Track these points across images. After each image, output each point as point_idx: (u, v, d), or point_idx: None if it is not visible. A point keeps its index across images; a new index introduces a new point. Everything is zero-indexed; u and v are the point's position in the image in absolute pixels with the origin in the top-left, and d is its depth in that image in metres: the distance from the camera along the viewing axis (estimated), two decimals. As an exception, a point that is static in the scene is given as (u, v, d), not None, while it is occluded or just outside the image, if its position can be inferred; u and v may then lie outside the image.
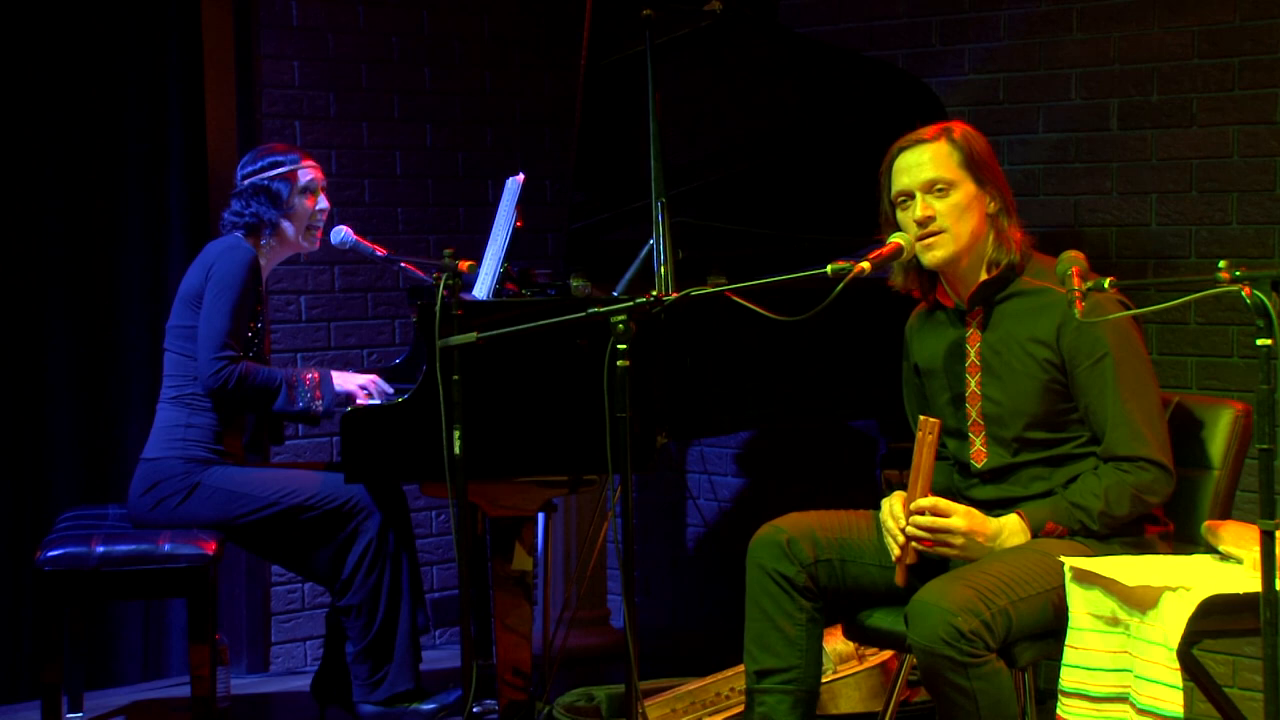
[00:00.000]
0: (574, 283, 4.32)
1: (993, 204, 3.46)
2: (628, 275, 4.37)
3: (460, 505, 3.87)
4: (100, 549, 4.18)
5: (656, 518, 5.95)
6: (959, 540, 3.34)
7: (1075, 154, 4.86)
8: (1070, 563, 3.18)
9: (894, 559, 3.41)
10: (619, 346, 3.24)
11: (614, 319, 3.25)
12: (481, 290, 4.35)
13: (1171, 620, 3.00)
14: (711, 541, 5.81)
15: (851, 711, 4.43)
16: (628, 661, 3.30)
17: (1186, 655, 3.02)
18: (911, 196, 3.44)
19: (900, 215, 3.47)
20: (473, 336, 3.65)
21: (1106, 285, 2.98)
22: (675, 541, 5.91)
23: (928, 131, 3.47)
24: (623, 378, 3.24)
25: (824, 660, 4.05)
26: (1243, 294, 2.71)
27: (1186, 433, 3.52)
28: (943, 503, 3.36)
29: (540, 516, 4.61)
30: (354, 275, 5.53)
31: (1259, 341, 2.68)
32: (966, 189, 3.43)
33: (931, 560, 3.40)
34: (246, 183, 4.49)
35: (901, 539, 3.38)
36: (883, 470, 4.73)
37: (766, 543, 3.50)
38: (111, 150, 5.14)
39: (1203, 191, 4.62)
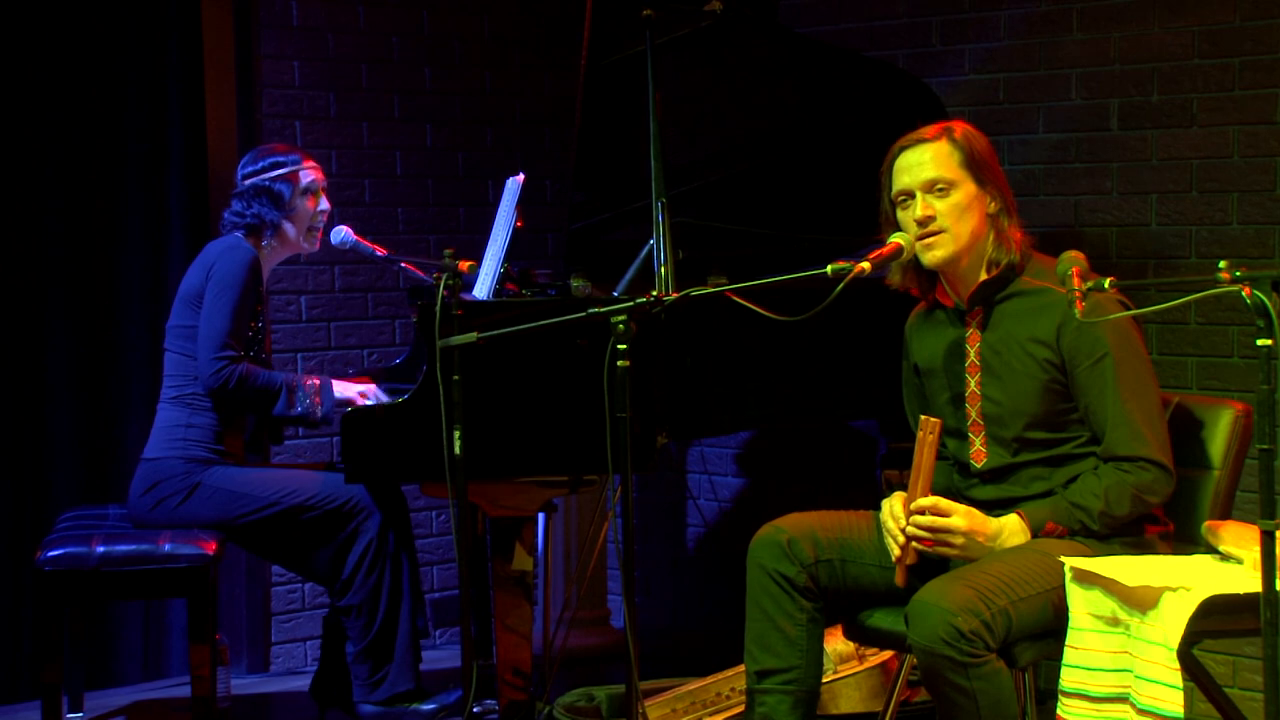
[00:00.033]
0: (574, 283, 4.32)
1: (993, 204, 3.46)
2: (628, 275, 4.37)
3: (460, 505, 3.87)
4: (100, 549, 4.18)
5: (657, 518, 5.95)
6: (959, 540, 3.34)
7: (1075, 154, 4.86)
8: (1070, 563, 3.18)
9: (894, 559, 3.41)
10: (619, 346, 3.24)
11: (614, 319, 3.25)
12: (482, 290, 4.35)
13: (1172, 620, 3.00)
14: (712, 541, 5.81)
15: (852, 711, 4.43)
16: (628, 661, 3.30)
17: (1187, 655, 3.02)
18: (912, 196, 3.44)
19: (901, 214, 3.47)
20: (473, 336, 3.65)
21: (1107, 285, 2.97)
22: (675, 541, 5.91)
23: (929, 131, 3.46)
24: (623, 378, 3.24)
25: (824, 660, 4.05)
26: (1243, 294, 2.71)
27: (1186, 433, 3.52)
28: (943, 502, 3.36)
29: (540, 516, 4.61)
30: (354, 275, 5.53)
31: (1259, 342, 2.68)
32: (967, 189, 3.43)
33: (931, 560, 3.40)
34: (248, 183, 4.49)
35: (902, 539, 3.38)
36: (883, 470, 4.73)
37: (767, 543, 3.50)
38: (111, 150, 5.14)
39: (1203, 192, 4.62)
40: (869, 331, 4.36)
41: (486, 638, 4.76)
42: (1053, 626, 3.21)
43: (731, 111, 4.78)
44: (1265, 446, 2.69)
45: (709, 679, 4.51)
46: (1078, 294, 2.97)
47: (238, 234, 4.47)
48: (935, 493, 3.40)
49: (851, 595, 3.51)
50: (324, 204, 4.58)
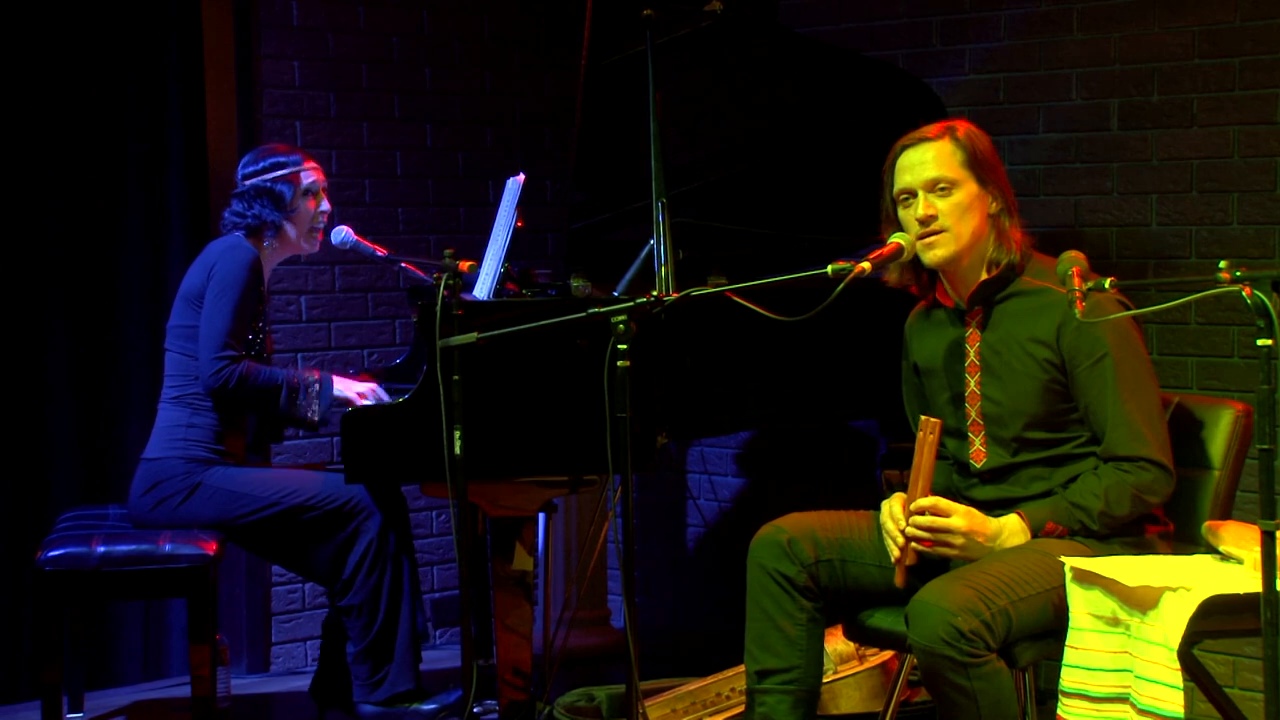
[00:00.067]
0: (574, 283, 4.32)
1: (994, 204, 3.45)
2: (628, 275, 4.37)
3: (460, 505, 3.87)
4: (101, 549, 4.18)
5: (657, 518, 5.95)
6: (959, 540, 3.34)
7: (1076, 154, 4.86)
8: (1070, 563, 3.18)
9: (893, 560, 3.41)
10: (619, 346, 3.24)
11: (614, 319, 3.25)
12: (482, 290, 4.35)
13: (1172, 620, 3.00)
14: (712, 541, 5.81)
15: (852, 711, 4.43)
16: (628, 661, 3.30)
17: (1187, 655, 3.02)
18: (914, 195, 3.44)
19: (902, 213, 3.47)
20: (473, 337, 3.65)
21: (1107, 285, 2.97)
22: (675, 541, 5.91)
23: (931, 130, 3.46)
24: (623, 378, 3.24)
25: (824, 660, 4.05)
26: (1243, 294, 2.71)
27: (1187, 433, 3.52)
28: (943, 502, 3.36)
29: (540, 516, 4.61)
30: (354, 275, 5.53)
31: (1259, 342, 2.68)
32: (969, 189, 3.43)
33: (931, 560, 3.40)
34: (249, 184, 4.49)
35: (901, 540, 3.38)
36: (883, 470, 4.73)
37: (767, 543, 3.49)
38: (111, 150, 5.14)
39: (1203, 192, 4.62)
40: (869, 331, 4.36)
41: (486, 638, 4.76)
42: (1053, 626, 3.21)
43: (731, 111, 4.78)
44: (1265, 446, 2.69)
45: (709, 679, 4.50)
46: (1078, 294, 2.97)
47: (239, 234, 4.47)
48: (935, 493, 3.40)
49: (852, 595, 3.51)
50: (325, 205, 4.57)
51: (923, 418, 3.39)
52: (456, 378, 3.80)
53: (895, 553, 3.40)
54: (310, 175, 4.53)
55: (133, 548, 4.19)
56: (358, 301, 5.55)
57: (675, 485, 5.90)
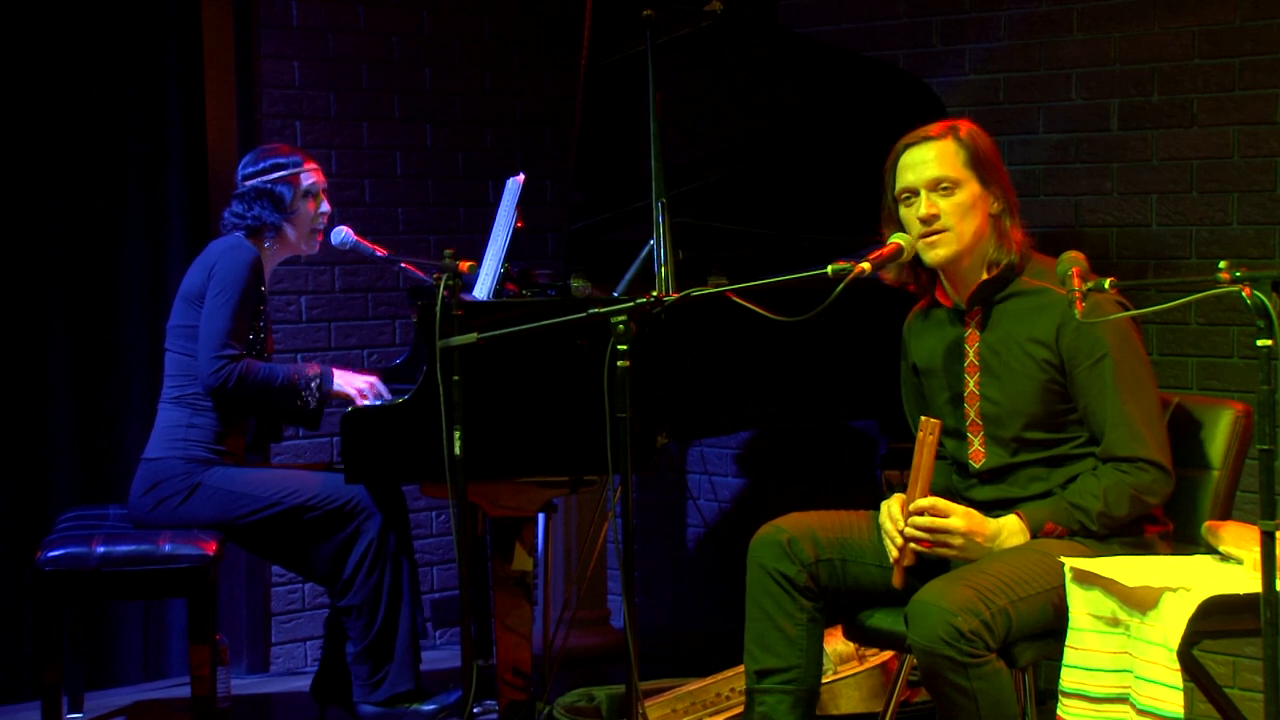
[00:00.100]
0: (574, 283, 4.32)
1: (996, 204, 3.45)
2: (628, 275, 4.37)
3: (460, 505, 3.87)
4: (101, 549, 4.18)
5: (657, 518, 5.95)
6: (958, 540, 3.34)
7: (1076, 154, 4.86)
8: (1070, 563, 3.18)
9: (891, 560, 3.41)
10: (619, 347, 3.24)
11: (614, 319, 3.25)
12: (482, 290, 4.35)
13: (1172, 621, 3.00)
14: (712, 541, 5.81)
15: (852, 712, 4.43)
16: (628, 662, 3.31)
17: (1187, 656, 3.02)
18: (916, 193, 3.44)
19: (903, 212, 3.47)
20: (473, 337, 3.65)
21: (1107, 285, 2.97)
22: (675, 541, 5.91)
23: (934, 128, 3.46)
24: (623, 378, 3.24)
25: (824, 661, 4.05)
26: (1243, 294, 2.71)
27: (1187, 433, 3.52)
28: (941, 503, 3.36)
29: (540, 517, 4.61)
30: (354, 275, 5.53)
31: (1259, 342, 2.68)
32: (971, 188, 3.43)
33: (931, 561, 3.40)
34: (249, 184, 4.49)
35: (900, 541, 3.38)
36: (883, 470, 4.73)
37: (767, 542, 3.49)
38: (111, 150, 5.14)
39: (1203, 192, 4.62)
40: (869, 332, 4.36)
41: (486, 638, 4.77)
42: (1053, 626, 3.21)
43: (731, 111, 4.78)
44: (1265, 447, 2.69)
45: (709, 679, 4.51)
46: (1078, 294, 2.97)
47: (239, 234, 4.47)
48: (935, 493, 3.40)
49: (851, 595, 3.51)
50: (325, 206, 4.57)
51: (923, 418, 3.39)
52: (456, 378, 3.80)
53: (894, 553, 3.40)
54: (310, 177, 4.53)
55: (133, 548, 4.19)
56: (358, 301, 5.55)
57: (675, 485, 5.90)
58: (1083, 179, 4.85)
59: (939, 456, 3.50)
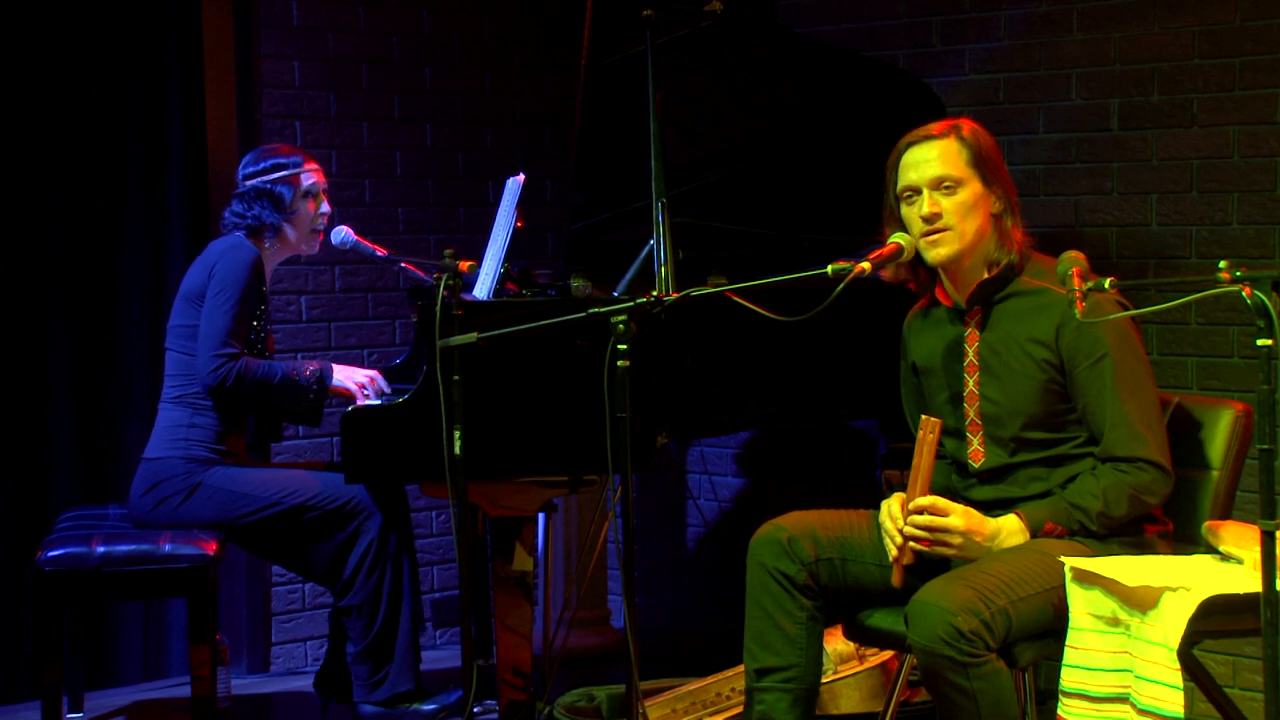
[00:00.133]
0: (574, 283, 4.32)
1: (997, 203, 3.45)
2: (628, 275, 4.37)
3: (461, 505, 3.86)
4: (101, 549, 4.18)
5: (657, 518, 5.95)
6: (957, 540, 3.34)
7: (1076, 154, 4.86)
8: (1070, 563, 3.18)
9: (891, 560, 3.41)
10: (619, 347, 3.24)
11: (614, 319, 3.25)
12: (482, 290, 4.35)
13: (1172, 620, 3.00)
14: (712, 541, 5.81)
15: (852, 711, 4.43)
16: (628, 661, 3.31)
17: (1187, 655, 3.02)
18: (918, 192, 3.44)
19: (905, 210, 3.46)
20: (473, 337, 3.65)
21: (1107, 285, 2.97)
22: (675, 541, 5.91)
23: (936, 127, 3.46)
24: (623, 378, 3.24)
25: (824, 660, 4.05)
26: (1243, 294, 2.71)
27: (1187, 433, 3.52)
28: (941, 502, 3.36)
29: (540, 516, 4.61)
30: (354, 275, 5.53)
31: (1259, 342, 2.68)
32: (973, 188, 3.43)
33: (931, 560, 3.40)
34: (249, 184, 4.49)
35: (899, 540, 3.38)
36: (883, 470, 4.72)
37: (767, 541, 3.50)
38: (111, 150, 5.14)
39: (1203, 192, 4.62)
40: (869, 331, 4.36)
41: (486, 638, 4.77)
42: (1053, 626, 3.21)
43: (731, 111, 4.78)
44: (1265, 446, 2.69)
45: (709, 679, 4.51)
46: (1078, 294, 2.97)
47: (240, 233, 4.47)
48: (934, 492, 3.40)
49: (851, 594, 3.51)
50: (325, 207, 4.57)
51: (923, 417, 3.39)
52: (456, 378, 3.80)
53: (894, 552, 3.40)
54: (310, 177, 4.53)
55: (133, 548, 4.19)
56: (358, 301, 5.55)
57: (675, 485, 5.90)
58: (1083, 179, 4.85)
59: (939, 456, 3.50)
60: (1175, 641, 2.99)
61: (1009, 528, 3.36)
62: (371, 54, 5.53)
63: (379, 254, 4.61)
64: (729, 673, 4.48)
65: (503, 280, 4.34)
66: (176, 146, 5.22)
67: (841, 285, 3.25)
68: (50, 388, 5.04)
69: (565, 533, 5.56)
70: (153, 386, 4.68)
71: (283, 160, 4.51)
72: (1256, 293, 2.69)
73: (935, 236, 3.42)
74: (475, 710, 4.25)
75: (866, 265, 3.33)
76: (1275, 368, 2.67)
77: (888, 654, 4.42)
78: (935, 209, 3.41)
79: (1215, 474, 3.49)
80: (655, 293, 3.66)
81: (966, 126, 3.47)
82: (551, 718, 4.48)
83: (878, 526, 3.48)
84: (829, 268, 3.24)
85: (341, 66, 5.47)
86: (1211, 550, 3.30)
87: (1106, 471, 3.36)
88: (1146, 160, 4.71)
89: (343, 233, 4.60)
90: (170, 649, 5.28)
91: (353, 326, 5.54)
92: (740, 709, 4.22)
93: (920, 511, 3.35)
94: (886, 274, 3.53)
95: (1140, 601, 3.07)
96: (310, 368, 4.40)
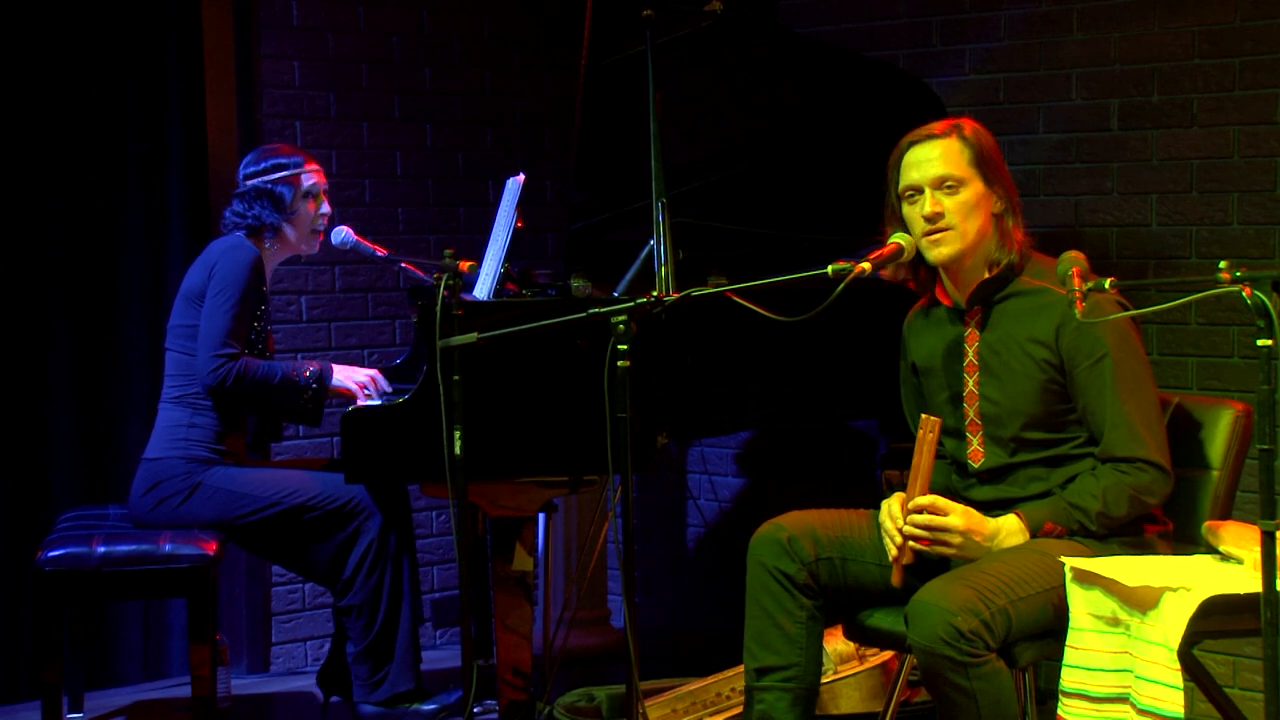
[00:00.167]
0: (574, 283, 4.32)
1: (999, 204, 3.45)
2: (628, 275, 4.37)
3: (461, 505, 3.86)
4: (101, 549, 4.18)
5: (657, 518, 5.95)
6: (957, 539, 3.34)
7: (1076, 154, 4.86)
8: (1070, 563, 3.18)
9: (890, 559, 3.41)
10: (619, 347, 3.24)
11: (614, 319, 3.26)
12: (482, 290, 4.35)
13: (1172, 620, 3.00)
14: (712, 541, 5.81)
15: (852, 711, 4.43)
16: (628, 661, 3.31)
17: (1187, 655, 3.02)
18: (920, 191, 3.44)
19: (907, 210, 3.46)
20: (473, 337, 3.65)
21: (1107, 285, 2.97)
22: (675, 541, 5.91)
23: (938, 126, 3.46)
24: (623, 378, 3.24)
25: (824, 660, 4.05)
26: (1243, 294, 2.71)
27: (1187, 433, 3.52)
28: (941, 501, 3.36)
29: (541, 517, 4.61)
30: (354, 275, 5.53)
31: (1259, 342, 2.68)
32: (975, 187, 3.43)
33: (931, 560, 3.40)
34: (249, 184, 4.49)
35: (899, 539, 3.38)
36: (883, 470, 4.72)
37: (767, 540, 3.50)
38: (111, 150, 5.14)
39: (1203, 192, 4.62)
40: (869, 331, 4.36)
41: (487, 638, 4.77)
42: (1053, 626, 3.21)
43: (731, 111, 4.78)
44: (1265, 446, 2.69)
45: (709, 679, 4.51)
46: (1078, 294, 2.97)
47: (240, 233, 4.47)
48: (934, 492, 3.40)
49: (851, 594, 3.51)
50: (325, 207, 4.57)
51: (923, 416, 3.39)
52: (456, 378, 3.80)
53: (893, 552, 3.40)
54: (311, 178, 4.53)
55: (133, 548, 4.19)
56: (358, 301, 5.55)
57: (675, 485, 5.90)
58: (1083, 179, 4.85)
59: (939, 456, 3.50)
60: (1175, 641, 2.99)
61: (1009, 528, 3.36)
62: (371, 54, 5.53)
63: (379, 254, 4.61)
64: (729, 673, 4.48)
65: (503, 280, 4.34)
66: (176, 146, 5.23)
67: (842, 285, 3.25)
68: (50, 388, 5.04)
69: (565, 533, 5.56)
70: (153, 386, 4.68)
71: (283, 160, 4.51)
72: (1256, 293, 2.69)
73: (937, 236, 3.42)
74: (475, 710, 4.25)
75: (867, 265, 3.33)
76: (1275, 368, 2.67)
77: (888, 654, 4.42)
78: (937, 208, 3.41)
79: (1215, 474, 3.49)
80: (655, 293, 3.66)
81: (968, 126, 3.47)
82: (551, 718, 4.48)
83: (878, 526, 3.49)
84: (829, 268, 3.24)
85: (341, 66, 5.47)
86: (1211, 550, 3.30)
87: (1106, 472, 3.36)
88: (1146, 160, 4.71)
89: (343, 233, 4.60)
90: (170, 649, 5.28)
91: (353, 326, 5.54)
92: (740, 709, 4.22)
93: (920, 511, 3.35)
94: (887, 274, 3.53)
95: (1140, 601, 3.07)
96: (310, 368, 4.40)
